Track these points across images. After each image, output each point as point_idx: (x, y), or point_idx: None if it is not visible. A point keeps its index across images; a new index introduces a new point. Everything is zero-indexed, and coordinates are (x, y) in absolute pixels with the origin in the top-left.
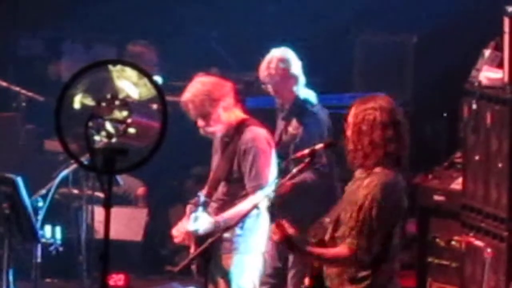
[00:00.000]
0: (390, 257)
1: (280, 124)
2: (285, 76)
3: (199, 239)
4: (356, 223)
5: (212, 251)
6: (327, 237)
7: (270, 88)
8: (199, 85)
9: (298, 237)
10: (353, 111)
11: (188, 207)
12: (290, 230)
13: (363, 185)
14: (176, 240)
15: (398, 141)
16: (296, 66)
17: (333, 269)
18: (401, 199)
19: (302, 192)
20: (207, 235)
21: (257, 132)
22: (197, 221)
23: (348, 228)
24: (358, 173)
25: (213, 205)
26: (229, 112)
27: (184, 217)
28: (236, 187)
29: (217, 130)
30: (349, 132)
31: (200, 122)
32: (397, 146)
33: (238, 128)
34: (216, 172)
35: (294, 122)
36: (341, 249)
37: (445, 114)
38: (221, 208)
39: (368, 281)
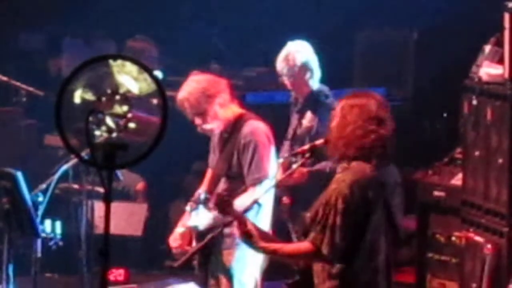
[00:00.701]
0: (367, 252)
1: (294, 118)
2: (302, 69)
3: (200, 235)
4: (321, 218)
5: (213, 247)
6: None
7: (286, 81)
8: (193, 83)
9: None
10: (339, 105)
11: (189, 204)
12: (250, 226)
13: (335, 179)
14: (174, 251)
15: (376, 137)
16: (313, 60)
17: (318, 266)
18: (371, 194)
19: (320, 180)
20: (208, 231)
21: (255, 126)
22: (197, 217)
23: (313, 223)
24: (339, 168)
25: (214, 201)
26: (225, 108)
27: (180, 221)
28: (237, 182)
29: (214, 127)
30: (333, 124)
31: (197, 120)
32: (373, 140)
33: (236, 123)
34: (216, 169)
35: (308, 115)
36: (302, 244)
37: (445, 115)
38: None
39: (343, 277)
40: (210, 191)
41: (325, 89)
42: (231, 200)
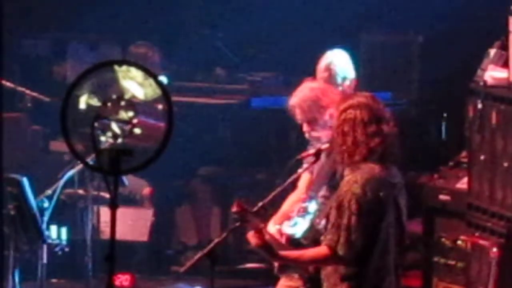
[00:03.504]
0: (379, 252)
1: None
2: (343, 78)
3: (295, 242)
4: (336, 220)
5: None
6: (322, 237)
7: None
8: (307, 90)
9: (275, 242)
10: (335, 113)
11: (297, 209)
12: (268, 236)
13: (345, 182)
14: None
15: (382, 137)
16: (352, 69)
17: (328, 269)
18: (383, 193)
19: None
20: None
21: None
22: (297, 226)
23: (327, 225)
24: (347, 170)
25: (314, 206)
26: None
27: (282, 214)
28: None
29: (322, 136)
30: (334, 133)
31: (306, 127)
32: (380, 141)
33: None
34: (318, 175)
35: None
36: (320, 248)
37: (445, 114)
38: (321, 211)
39: (358, 277)
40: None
41: None
42: (250, 209)
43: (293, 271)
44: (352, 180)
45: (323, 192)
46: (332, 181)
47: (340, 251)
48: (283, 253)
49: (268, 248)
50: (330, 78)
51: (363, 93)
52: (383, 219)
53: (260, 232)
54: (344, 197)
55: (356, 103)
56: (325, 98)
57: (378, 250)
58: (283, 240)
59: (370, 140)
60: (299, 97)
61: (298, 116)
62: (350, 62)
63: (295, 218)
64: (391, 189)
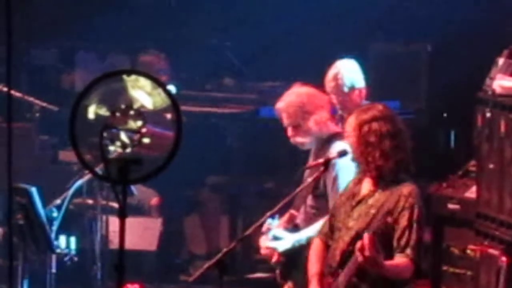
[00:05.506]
0: None
1: None
2: (351, 88)
3: (281, 254)
4: (410, 235)
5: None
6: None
7: (335, 99)
8: (294, 95)
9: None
10: (354, 121)
11: (279, 223)
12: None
13: (403, 194)
14: (262, 252)
15: (405, 149)
16: (361, 78)
17: (373, 276)
18: None
19: None
20: (289, 252)
21: (343, 147)
22: (277, 240)
23: (402, 239)
24: (380, 181)
25: (301, 217)
26: (321, 126)
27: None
28: (322, 201)
29: (306, 142)
30: (354, 143)
31: (290, 132)
32: (405, 154)
33: (328, 142)
34: (302, 191)
35: None
36: (404, 261)
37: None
38: (308, 221)
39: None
40: (298, 206)
41: None
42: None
43: (295, 277)
44: (414, 193)
45: (309, 202)
46: (316, 191)
47: (420, 264)
48: (387, 263)
49: (377, 259)
50: (337, 87)
51: (379, 104)
52: None
53: (373, 243)
54: (412, 212)
55: (380, 115)
56: (310, 105)
57: None
58: (275, 254)
59: (397, 153)
60: (286, 101)
61: (284, 120)
62: (359, 72)
63: (271, 232)
64: None
